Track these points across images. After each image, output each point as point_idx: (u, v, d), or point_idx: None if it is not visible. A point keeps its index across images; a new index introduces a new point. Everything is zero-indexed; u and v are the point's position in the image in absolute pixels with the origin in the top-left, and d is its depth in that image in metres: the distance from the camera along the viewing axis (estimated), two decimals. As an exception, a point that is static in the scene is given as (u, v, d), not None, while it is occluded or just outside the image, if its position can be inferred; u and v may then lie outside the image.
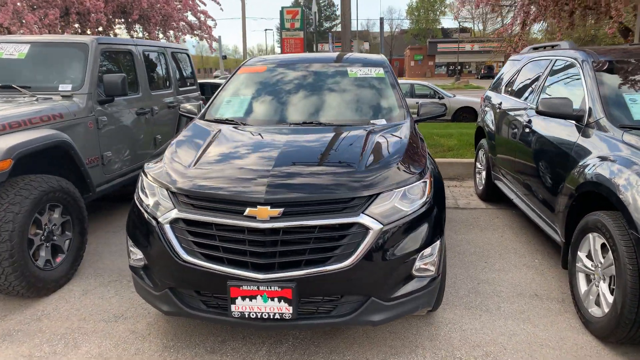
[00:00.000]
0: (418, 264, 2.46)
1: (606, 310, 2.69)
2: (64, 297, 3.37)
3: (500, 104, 5.16)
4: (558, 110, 3.40)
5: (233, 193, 2.37)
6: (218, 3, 13.56)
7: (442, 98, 14.15)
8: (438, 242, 2.53)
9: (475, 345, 2.77)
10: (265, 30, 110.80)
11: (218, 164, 2.66)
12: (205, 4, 13.54)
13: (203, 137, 3.07)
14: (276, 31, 66.34)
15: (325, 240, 2.31)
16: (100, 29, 12.04)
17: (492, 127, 5.29)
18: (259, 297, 2.29)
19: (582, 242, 3.01)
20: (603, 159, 2.88)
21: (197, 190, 2.43)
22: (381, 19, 24.73)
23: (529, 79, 4.69)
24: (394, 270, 2.38)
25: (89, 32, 11.84)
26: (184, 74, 6.33)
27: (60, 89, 4.13)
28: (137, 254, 2.64)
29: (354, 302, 2.40)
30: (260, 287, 2.27)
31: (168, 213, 2.44)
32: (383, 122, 3.34)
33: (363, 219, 2.31)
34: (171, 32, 13.31)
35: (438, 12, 67.37)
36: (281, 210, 2.29)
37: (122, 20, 12.65)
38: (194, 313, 2.46)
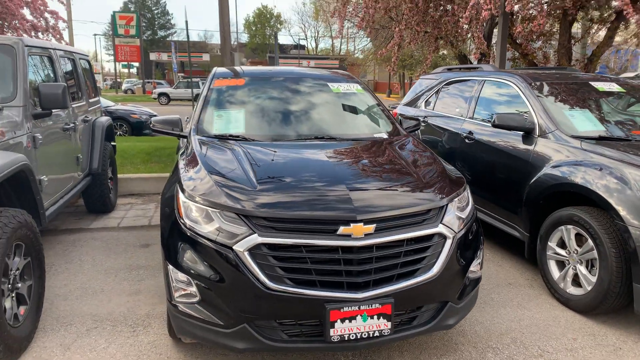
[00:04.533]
0: (472, 265, 2.68)
1: (589, 288, 3.27)
2: (43, 358, 2.73)
3: (426, 117, 5.74)
4: (514, 124, 4.00)
5: (322, 212, 2.27)
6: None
7: None
8: (482, 245, 2.79)
9: (499, 334, 3.10)
10: (95, 35, 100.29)
11: (283, 184, 2.50)
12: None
13: (230, 155, 2.82)
14: (104, 38, 60.83)
15: (414, 252, 2.38)
16: None
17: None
18: (358, 317, 2.24)
19: (552, 233, 3.60)
20: (571, 164, 3.48)
21: (281, 212, 2.26)
22: (275, 34, 24.64)
23: (457, 96, 5.33)
24: (463, 273, 2.56)
25: None
26: (89, 83, 5.54)
27: (-17, 99, 3.32)
28: (186, 289, 2.33)
29: (431, 309, 2.50)
30: (361, 306, 2.23)
31: (246, 239, 2.21)
32: (384, 135, 3.50)
33: (442, 229, 2.44)
34: (9, 33, 11.33)
35: (274, 28, 69.67)
36: (374, 226, 2.28)
37: None
38: (279, 346, 2.27)
